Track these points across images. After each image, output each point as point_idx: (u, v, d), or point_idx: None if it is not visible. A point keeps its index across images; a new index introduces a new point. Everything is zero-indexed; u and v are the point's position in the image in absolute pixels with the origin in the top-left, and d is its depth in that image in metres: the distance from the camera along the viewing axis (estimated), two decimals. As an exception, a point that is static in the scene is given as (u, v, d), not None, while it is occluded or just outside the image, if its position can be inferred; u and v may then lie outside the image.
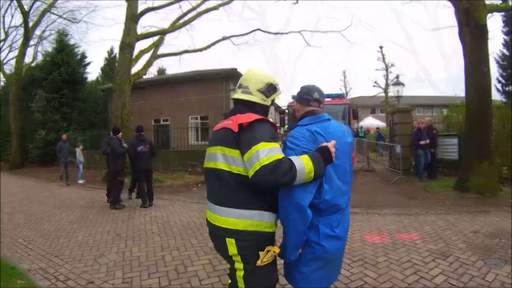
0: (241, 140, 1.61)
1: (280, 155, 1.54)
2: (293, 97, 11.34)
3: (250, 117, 1.65)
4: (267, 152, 1.52)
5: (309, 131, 1.72)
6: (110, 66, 27.57)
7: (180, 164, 13.23)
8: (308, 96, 1.90)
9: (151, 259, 4.04)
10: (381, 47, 28.29)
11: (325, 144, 1.64)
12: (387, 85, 27.71)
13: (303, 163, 1.53)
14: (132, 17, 12.11)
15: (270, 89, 1.84)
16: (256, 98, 1.80)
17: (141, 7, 12.57)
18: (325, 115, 1.87)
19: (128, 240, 4.82)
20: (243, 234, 1.64)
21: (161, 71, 28.24)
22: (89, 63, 22.32)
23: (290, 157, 1.56)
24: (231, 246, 1.65)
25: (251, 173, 1.52)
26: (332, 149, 1.63)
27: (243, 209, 1.64)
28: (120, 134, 7.64)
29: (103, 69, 29.18)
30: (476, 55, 7.34)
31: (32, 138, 18.67)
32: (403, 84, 13.89)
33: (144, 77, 15.25)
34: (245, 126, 1.62)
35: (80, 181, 11.81)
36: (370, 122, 27.40)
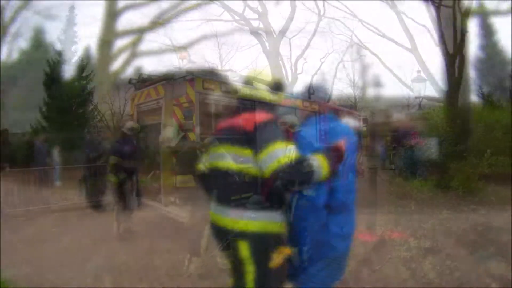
0: (255, 139, 1.56)
1: (297, 154, 1.51)
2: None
3: (263, 116, 1.61)
4: (284, 151, 1.48)
5: (319, 130, 1.70)
6: (87, 64, 26.88)
7: (162, 164, 12.99)
8: (314, 96, 1.88)
9: (141, 262, 3.91)
10: (359, 48, 28.64)
11: (336, 143, 1.62)
12: (364, 85, 28.12)
13: (319, 162, 1.50)
14: (111, 15, 11.86)
15: (276, 87, 1.81)
16: (263, 95, 1.76)
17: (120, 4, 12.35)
18: (330, 115, 1.86)
19: (115, 243, 4.68)
20: (255, 236, 1.58)
21: (138, 69, 27.70)
22: (66, 62, 21.63)
23: (306, 156, 1.53)
24: (244, 249, 1.59)
25: (268, 172, 1.48)
26: (344, 148, 1.61)
27: (253, 210, 1.59)
28: (102, 134, 7.47)
29: (79, 68, 28.42)
30: (456, 57, 7.56)
31: (8, 139, 17.91)
32: (381, 85, 14.14)
33: (123, 76, 14.90)
34: (259, 125, 1.57)
35: (58, 183, 11.42)
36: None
